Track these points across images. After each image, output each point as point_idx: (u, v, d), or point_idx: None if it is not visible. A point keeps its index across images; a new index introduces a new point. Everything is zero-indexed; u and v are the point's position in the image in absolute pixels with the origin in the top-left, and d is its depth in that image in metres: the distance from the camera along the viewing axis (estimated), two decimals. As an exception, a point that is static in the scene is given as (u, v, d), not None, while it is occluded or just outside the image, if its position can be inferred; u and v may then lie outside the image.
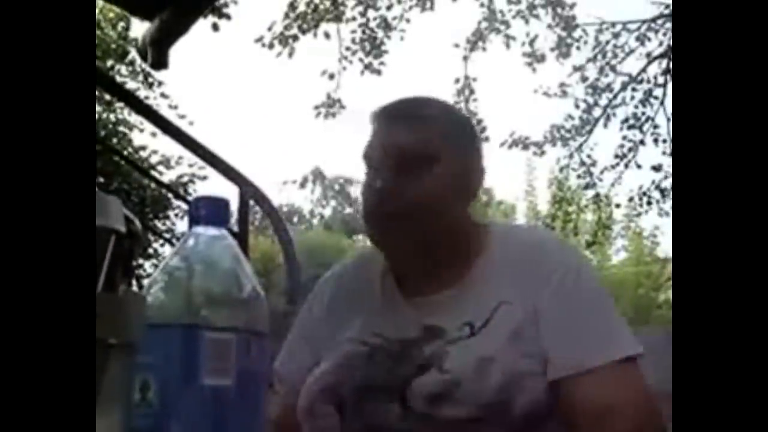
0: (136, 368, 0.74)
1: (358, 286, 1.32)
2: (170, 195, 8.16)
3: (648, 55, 9.77)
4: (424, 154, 1.21)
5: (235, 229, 3.34)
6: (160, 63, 4.56)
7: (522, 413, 1.14)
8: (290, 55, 9.34)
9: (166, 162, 9.17)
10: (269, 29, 9.35)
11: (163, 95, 9.46)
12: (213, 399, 0.79)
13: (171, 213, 8.79)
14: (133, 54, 8.46)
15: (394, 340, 1.22)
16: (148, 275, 8.26)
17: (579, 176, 10.38)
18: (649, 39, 9.70)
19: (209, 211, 0.88)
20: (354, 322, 1.27)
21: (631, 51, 9.86)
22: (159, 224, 8.59)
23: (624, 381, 1.17)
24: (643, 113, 9.87)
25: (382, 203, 1.20)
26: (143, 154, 8.99)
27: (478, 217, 1.32)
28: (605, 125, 10.00)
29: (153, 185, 8.09)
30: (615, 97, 9.99)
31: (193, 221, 0.87)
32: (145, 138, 8.68)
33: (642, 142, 9.90)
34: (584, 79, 10.02)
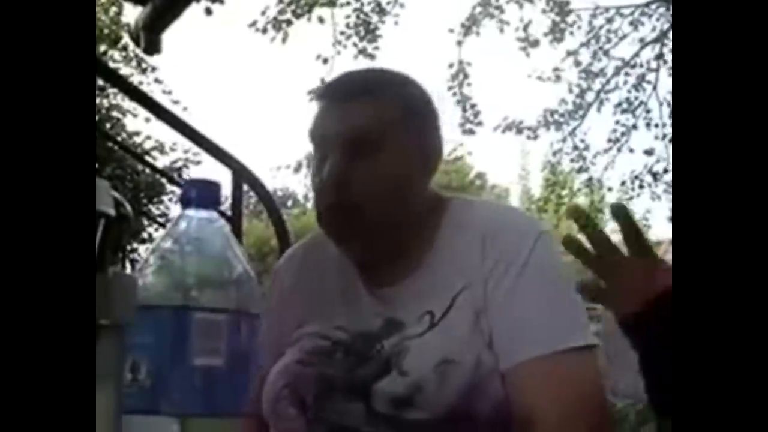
0: (127, 349, 0.75)
1: (318, 274, 1.22)
2: (165, 180, 8.14)
3: (641, 40, 9.79)
4: (374, 136, 1.10)
5: (229, 213, 3.33)
6: (153, 48, 4.53)
7: (490, 412, 1.06)
8: (284, 40, 9.31)
9: (160, 147, 9.14)
10: (263, 14, 9.33)
11: (156, 80, 9.44)
12: (203, 379, 0.81)
13: (165, 198, 8.78)
14: (126, 39, 8.42)
15: (355, 333, 1.14)
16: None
17: (572, 160, 10.41)
18: (643, 24, 9.72)
19: (201, 193, 0.89)
20: (315, 313, 1.19)
21: (625, 36, 9.88)
22: (153, 209, 8.58)
23: (555, 377, 1.04)
24: (636, 98, 9.90)
25: (330, 194, 1.09)
26: (137, 139, 8.97)
27: (438, 192, 1.21)
28: (598, 110, 10.03)
29: (147, 171, 8.06)
30: (608, 81, 10.01)
31: (185, 203, 0.88)
32: (139, 123, 8.66)
33: (635, 126, 9.94)
34: (578, 63, 10.04)
